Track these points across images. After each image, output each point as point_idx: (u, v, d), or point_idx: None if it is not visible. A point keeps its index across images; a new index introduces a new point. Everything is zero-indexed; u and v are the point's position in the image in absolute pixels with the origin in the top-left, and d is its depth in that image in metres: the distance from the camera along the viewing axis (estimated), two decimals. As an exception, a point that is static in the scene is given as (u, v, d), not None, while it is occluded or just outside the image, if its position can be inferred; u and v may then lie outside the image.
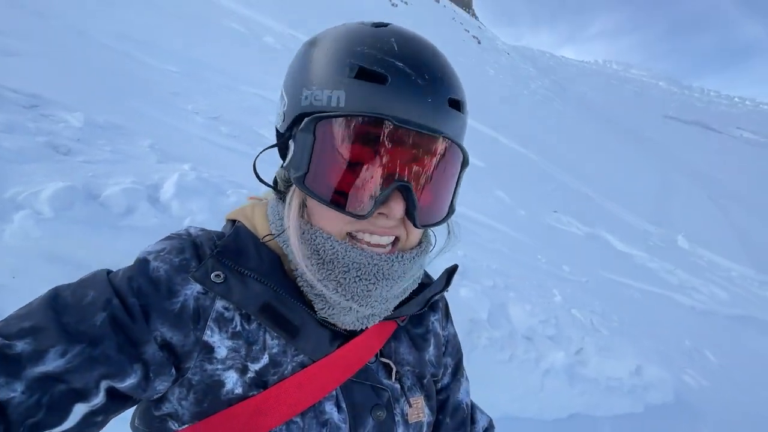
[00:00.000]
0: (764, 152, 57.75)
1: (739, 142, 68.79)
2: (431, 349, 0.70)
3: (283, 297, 0.54)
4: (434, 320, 0.73)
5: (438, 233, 0.65)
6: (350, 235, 0.55)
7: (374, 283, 0.55)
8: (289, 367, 0.54)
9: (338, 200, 0.51)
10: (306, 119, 0.51)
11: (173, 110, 4.55)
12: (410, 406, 0.62)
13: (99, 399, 0.46)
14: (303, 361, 0.55)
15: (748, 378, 5.19)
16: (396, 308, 0.62)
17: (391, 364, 0.63)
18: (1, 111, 2.46)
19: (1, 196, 1.77)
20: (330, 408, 0.55)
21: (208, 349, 0.51)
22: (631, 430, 3.20)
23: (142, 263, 0.53)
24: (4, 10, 5.02)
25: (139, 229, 1.98)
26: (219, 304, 0.53)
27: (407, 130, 0.49)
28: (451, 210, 0.60)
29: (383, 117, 0.48)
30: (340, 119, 0.49)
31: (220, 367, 0.52)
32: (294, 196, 0.56)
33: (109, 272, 0.53)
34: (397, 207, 0.52)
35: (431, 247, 0.64)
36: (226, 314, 0.53)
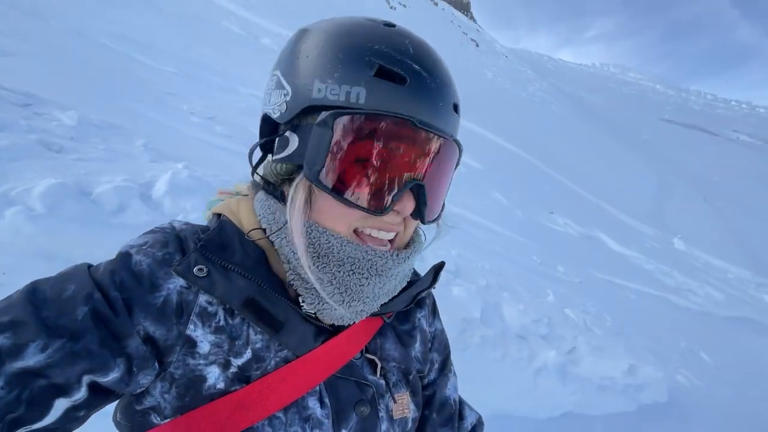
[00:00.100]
0: (760, 155, 57.99)
1: (735, 145, 69.12)
2: (417, 346, 0.70)
3: (267, 292, 0.54)
4: (421, 317, 0.73)
5: (426, 230, 0.67)
6: (355, 231, 0.56)
7: (367, 278, 0.55)
8: (273, 363, 0.54)
9: (357, 196, 0.52)
10: (325, 113, 0.50)
11: (169, 110, 4.56)
12: (395, 402, 0.62)
13: (81, 394, 0.46)
14: (287, 356, 0.55)
15: (743, 379, 5.20)
16: (383, 305, 0.62)
17: (376, 360, 0.63)
18: (-6, 109, 2.48)
19: (-7, 192, 1.78)
20: (313, 403, 0.55)
21: (191, 344, 0.51)
22: (623, 429, 3.21)
23: (125, 257, 0.52)
24: (4, 11, 5.04)
25: (130, 227, 1.99)
26: (202, 299, 0.53)
27: (424, 131, 0.51)
28: (443, 206, 0.63)
29: (406, 118, 0.50)
30: (361, 116, 0.50)
31: (202, 362, 0.51)
32: (299, 190, 0.54)
33: (89, 266, 0.52)
34: (409, 204, 0.54)
35: (422, 246, 0.65)
36: (210, 309, 0.53)
